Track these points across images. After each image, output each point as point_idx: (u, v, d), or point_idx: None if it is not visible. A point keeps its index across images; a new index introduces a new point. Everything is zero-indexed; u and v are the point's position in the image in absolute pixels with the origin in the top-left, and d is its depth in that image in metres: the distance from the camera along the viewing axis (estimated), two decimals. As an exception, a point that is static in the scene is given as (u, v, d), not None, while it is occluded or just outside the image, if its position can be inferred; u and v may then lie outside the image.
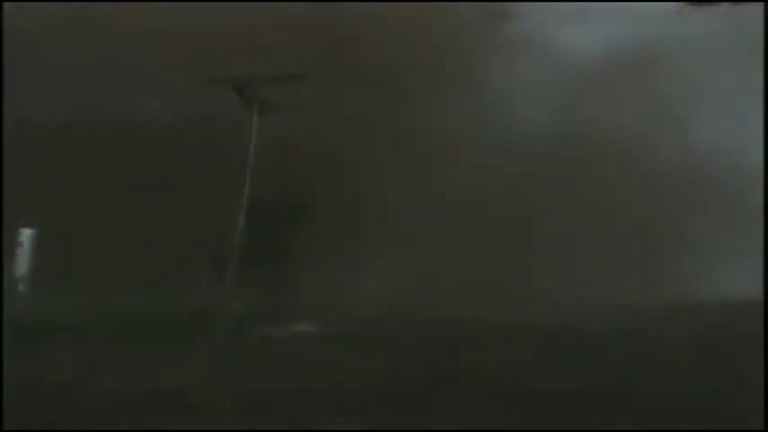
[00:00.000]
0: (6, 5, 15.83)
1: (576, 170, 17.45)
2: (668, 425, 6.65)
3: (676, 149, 18.06)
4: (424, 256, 16.54)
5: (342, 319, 12.84)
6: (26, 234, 15.42)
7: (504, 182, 17.38)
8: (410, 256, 16.49)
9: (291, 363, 9.78)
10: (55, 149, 16.19)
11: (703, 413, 6.91)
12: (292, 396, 7.66)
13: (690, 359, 9.63)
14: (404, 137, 17.48)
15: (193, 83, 15.77)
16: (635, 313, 13.81)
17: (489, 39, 18.37)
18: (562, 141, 17.67)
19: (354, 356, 10.03)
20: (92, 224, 16.02)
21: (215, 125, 16.47)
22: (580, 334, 11.72)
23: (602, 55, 18.23)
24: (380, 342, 11.21)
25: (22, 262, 15.39)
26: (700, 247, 17.14)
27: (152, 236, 16.01)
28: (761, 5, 14.40)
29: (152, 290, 13.87)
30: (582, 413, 6.96)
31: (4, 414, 6.50)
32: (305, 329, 12.14)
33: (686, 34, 17.22)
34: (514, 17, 18.33)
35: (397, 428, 6.53)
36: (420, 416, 6.91)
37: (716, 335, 11.21)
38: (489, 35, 18.38)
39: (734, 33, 16.61)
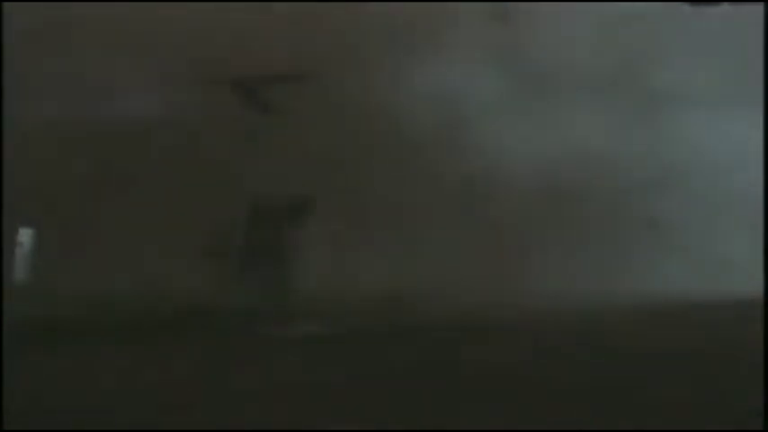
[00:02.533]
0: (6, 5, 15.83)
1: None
2: (667, 425, 6.65)
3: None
4: (425, 254, 16.57)
5: (342, 319, 12.84)
6: (26, 234, 15.45)
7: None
8: (411, 253, 16.52)
9: (291, 363, 9.79)
10: (54, 149, 16.20)
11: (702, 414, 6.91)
12: (292, 396, 7.67)
13: (687, 360, 9.65)
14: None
15: (193, 82, 15.81)
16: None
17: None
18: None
19: (355, 356, 10.05)
20: (91, 223, 16.03)
21: (214, 124, 16.48)
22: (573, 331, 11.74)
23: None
24: (382, 341, 11.23)
25: (21, 261, 15.41)
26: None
27: (151, 235, 16.01)
28: (761, 5, 14.42)
29: (151, 288, 13.88)
30: (583, 413, 6.96)
31: (3, 414, 6.50)
32: (306, 330, 12.15)
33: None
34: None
35: (398, 428, 6.53)
36: (420, 416, 6.91)
37: (714, 335, 11.23)
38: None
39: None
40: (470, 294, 15.03)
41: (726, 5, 14.43)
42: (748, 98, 16.15)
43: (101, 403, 7.26)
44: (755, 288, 13.58)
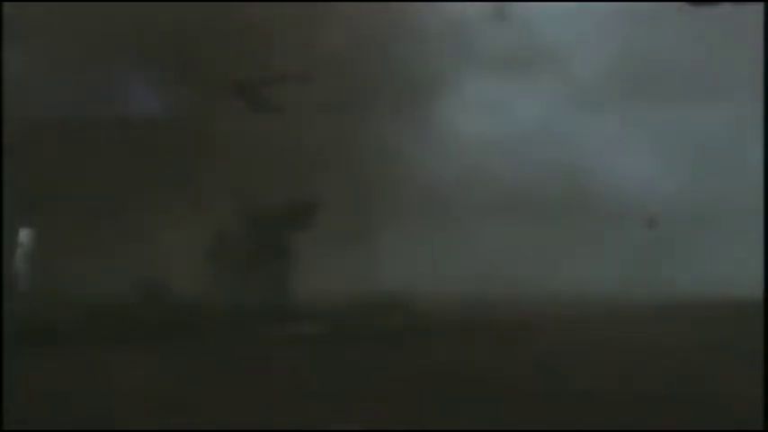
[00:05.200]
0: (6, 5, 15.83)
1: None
2: (667, 425, 6.65)
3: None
4: (424, 252, 16.58)
5: (341, 318, 12.84)
6: (26, 234, 15.45)
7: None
8: (410, 251, 16.52)
9: (291, 363, 9.79)
10: (53, 149, 16.20)
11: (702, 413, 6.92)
12: (292, 396, 7.67)
13: (687, 359, 9.65)
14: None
15: (193, 83, 15.83)
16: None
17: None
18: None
19: (354, 356, 10.05)
20: (89, 223, 16.03)
21: (214, 124, 16.49)
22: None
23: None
24: (381, 341, 11.23)
25: (21, 262, 15.41)
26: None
27: (150, 235, 16.02)
28: (761, 5, 14.41)
29: (151, 289, 13.88)
30: (582, 412, 6.97)
31: (3, 414, 6.50)
32: (305, 330, 12.15)
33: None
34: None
35: (398, 428, 6.53)
36: (420, 416, 6.91)
37: (713, 335, 11.23)
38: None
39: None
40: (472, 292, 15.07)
41: (726, 5, 14.41)
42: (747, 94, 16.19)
43: (101, 404, 7.26)
44: (755, 288, 13.57)
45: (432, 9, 17.40)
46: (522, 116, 17.76)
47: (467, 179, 17.48)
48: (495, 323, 12.70)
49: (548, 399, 7.54)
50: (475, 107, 17.75)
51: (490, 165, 17.46)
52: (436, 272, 15.99)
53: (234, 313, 12.73)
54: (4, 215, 15.12)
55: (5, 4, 15.80)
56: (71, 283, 13.86)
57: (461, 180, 17.48)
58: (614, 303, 14.51)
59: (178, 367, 9.29)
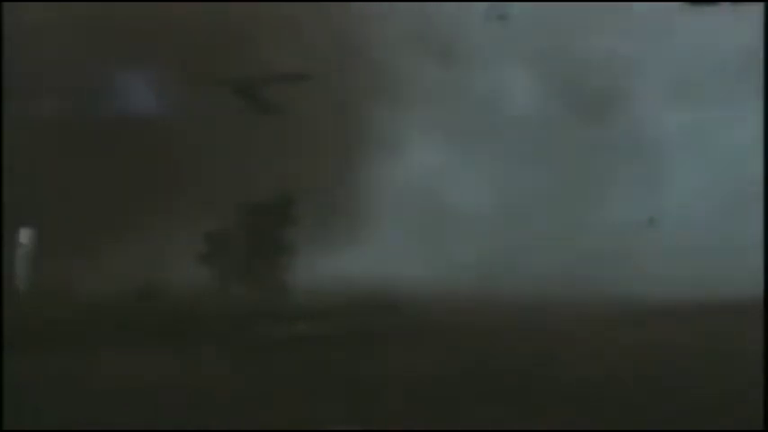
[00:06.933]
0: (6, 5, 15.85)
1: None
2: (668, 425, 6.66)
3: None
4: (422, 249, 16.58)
5: (340, 318, 12.85)
6: (26, 234, 15.47)
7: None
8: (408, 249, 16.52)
9: (290, 363, 9.80)
10: (54, 149, 16.21)
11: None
12: (291, 397, 7.68)
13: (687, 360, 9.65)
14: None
15: (193, 83, 15.83)
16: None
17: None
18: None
19: (354, 356, 10.05)
20: (90, 224, 16.04)
21: (212, 124, 16.50)
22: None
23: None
24: (380, 341, 11.24)
25: (21, 262, 15.41)
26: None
27: (149, 236, 16.03)
28: (761, 5, 14.44)
29: (149, 289, 13.90)
30: (583, 413, 6.97)
31: (4, 414, 6.51)
32: (303, 330, 12.15)
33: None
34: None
35: (398, 429, 6.53)
36: (420, 416, 6.92)
37: (714, 335, 11.23)
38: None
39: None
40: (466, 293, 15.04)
41: (726, 5, 14.45)
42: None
43: (100, 404, 7.27)
44: (755, 288, 13.57)
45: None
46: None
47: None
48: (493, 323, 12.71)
49: (544, 398, 7.55)
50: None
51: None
52: (430, 271, 15.92)
53: (234, 313, 12.75)
54: (4, 215, 15.13)
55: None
56: (71, 283, 13.87)
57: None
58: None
59: (176, 368, 9.30)
